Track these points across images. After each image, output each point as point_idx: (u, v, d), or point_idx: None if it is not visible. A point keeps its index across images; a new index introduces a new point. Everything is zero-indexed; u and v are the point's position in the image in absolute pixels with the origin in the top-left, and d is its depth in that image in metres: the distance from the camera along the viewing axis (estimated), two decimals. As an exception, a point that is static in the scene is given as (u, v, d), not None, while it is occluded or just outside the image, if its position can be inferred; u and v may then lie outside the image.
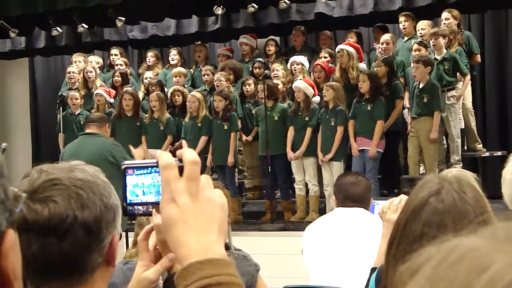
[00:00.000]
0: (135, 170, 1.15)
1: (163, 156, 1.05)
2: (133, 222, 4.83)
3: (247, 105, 8.82)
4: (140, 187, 1.15)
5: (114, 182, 1.41)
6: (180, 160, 1.05)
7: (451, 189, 1.64)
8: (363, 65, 8.32)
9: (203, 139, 8.49)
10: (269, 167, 8.03)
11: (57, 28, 9.78)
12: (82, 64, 10.03)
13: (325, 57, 8.74)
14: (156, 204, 1.13)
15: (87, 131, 6.39)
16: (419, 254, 0.59)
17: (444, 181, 1.67)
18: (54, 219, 1.26)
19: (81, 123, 9.14)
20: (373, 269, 2.54)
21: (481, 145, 8.69)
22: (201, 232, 1.00)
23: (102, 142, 6.22)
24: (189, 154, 1.05)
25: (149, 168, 1.14)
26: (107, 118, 6.76)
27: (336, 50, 8.45)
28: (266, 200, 8.52)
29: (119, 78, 9.60)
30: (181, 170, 1.04)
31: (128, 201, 1.17)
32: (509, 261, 0.54)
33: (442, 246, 0.58)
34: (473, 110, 8.67)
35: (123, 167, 1.16)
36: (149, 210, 1.19)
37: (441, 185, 1.65)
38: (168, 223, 1.01)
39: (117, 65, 9.99)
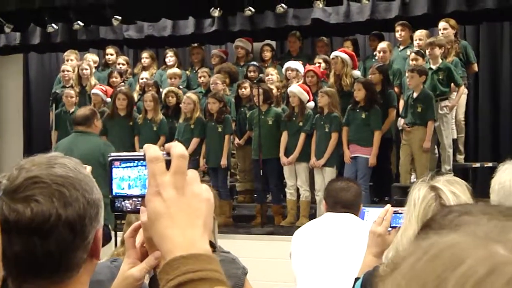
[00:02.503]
0: (121, 163, 1.14)
1: (151, 149, 1.04)
2: (123, 222, 4.81)
3: (242, 109, 8.82)
4: (126, 180, 1.14)
5: (100, 181, 1.38)
6: (168, 154, 1.04)
7: None
8: (357, 73, 8.34)
9: (194, 141, 8.49)
10: (261, 171, 8.03)
11: (53, 24, 9.76)
12: (75, 62, 10.00)
13: (319, 63, 8.75)
14: (141, 197, 1.12)
15: (76, 129, 6.37)
16: (400, 252, 0.59)
17: None
18: (37, 219, 1.23)
19: (75, 121, 9.11)
20: (356, 279, 2.52)
21: (462, 156, 8.73)
22: (186, 226, 0.99)
23: (94, 141, 6.21)
24: (177, 148, 1.04)
25: (136, 161, 1.13)
26: (92, 112, 6.56)
27: (331, 56, 8.47)
28: (257, 203, 8.52)
29: (117, 79, 9.61)
30: (168, 164, 1.03)
31: (113, 194, 1.15)
32: (483, 257, 0.54)
33: (421, 243, 0.58)
34: (463, 122, 8.71)
35: (109, 159, 1.15)
36: (137, 207, 1.18)
37: None
38: (153, 217, 1.00)
39: (119, 64, 10.02)
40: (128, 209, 1.20)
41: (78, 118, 6.40)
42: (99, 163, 5.77)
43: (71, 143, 6.23)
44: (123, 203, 1.19)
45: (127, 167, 1.14)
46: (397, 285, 0.57)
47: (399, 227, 2.38)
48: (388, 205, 2.53)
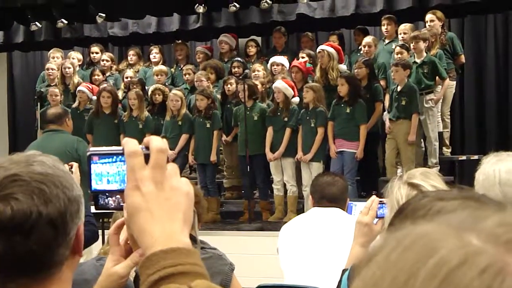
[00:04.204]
0: (100, 158, 1.13)
1: (129, 143, 1.03)
2: (109, 220, 4.79)
3: (229, 105, 8.81)
4: (104, 175, 1.13)
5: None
6: (147, 148, 1.03)
7: None
8: (343, 66, 8.35)
9: (184, 137, 8.48)
10: (248, 167, 8.02)
11: (36, 23, 9.68)
12: (59, 60, 9.95)
13: (302, 57, 8.74)
14: (120, 192, 1.11)
15: (48, 128, 6.29)
16: (377, 243, 0.60)
17: None
18: (18, 217, 1.22)
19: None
20: (344, 270, 2.52)
21: (449, 150, 8.77)
22: (166, 220, 0.98)
23: (66, 138, 6.12)
24: (156, 142, 1.03)
25: (114, 156, 1.12)
26: (64, 110, 6.48)
27: (317, 50, 8.47)
28: (245, 200, 8.51)
29: (99, 77, 9.59)
30: (147, 158, 1.02)
31: (92, 189, 1.15)
32: (456, 246, 0.54)
33: (397, 233, 0.58)
34: (448, 116, 8.75)
35: (88, 153, 1.14)
36: (121, 204, 1.17)
37: None
38: (132, 211, 0.99)
39: (103, 60, 10.01)
40: (112, 206, 1.19)
41: (50, 116, 6.28)
42: (74, 159, 5.71)
43: (43, 142, 6.11)
44: (106, 200, 1.18)
45: (105, 162, 1.13)
46: (372, 275, 0.57)
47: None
48: (374, 196, 2.53)
